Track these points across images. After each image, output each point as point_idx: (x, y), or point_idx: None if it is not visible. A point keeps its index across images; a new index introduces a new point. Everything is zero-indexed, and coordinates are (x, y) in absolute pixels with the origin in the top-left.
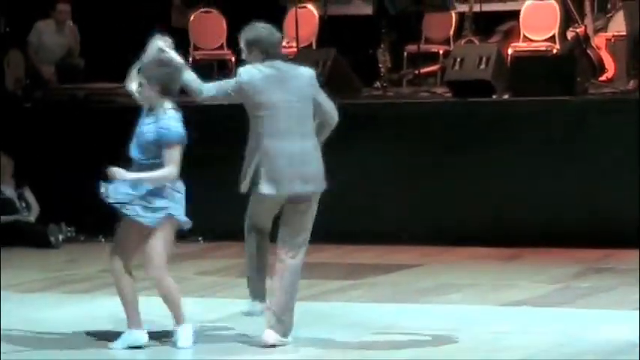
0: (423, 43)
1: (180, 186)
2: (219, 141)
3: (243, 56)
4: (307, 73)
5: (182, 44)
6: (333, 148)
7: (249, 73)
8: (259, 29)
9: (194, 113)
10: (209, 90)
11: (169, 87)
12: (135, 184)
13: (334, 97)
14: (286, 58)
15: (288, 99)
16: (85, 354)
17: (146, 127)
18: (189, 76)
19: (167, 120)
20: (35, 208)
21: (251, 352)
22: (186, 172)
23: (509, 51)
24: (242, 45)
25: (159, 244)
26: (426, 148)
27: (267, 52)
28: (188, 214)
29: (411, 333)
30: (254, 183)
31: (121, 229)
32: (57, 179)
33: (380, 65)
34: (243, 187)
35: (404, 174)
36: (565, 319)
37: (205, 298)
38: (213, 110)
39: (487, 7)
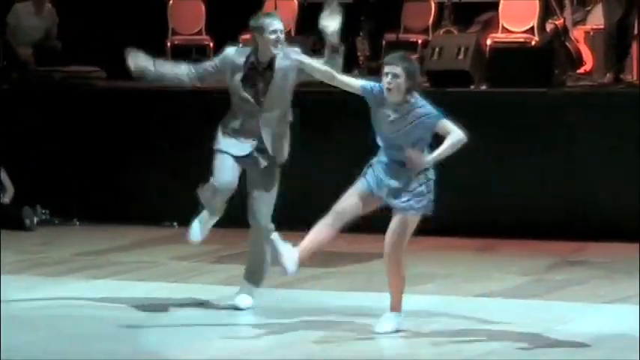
0: (401, 32)
1: None
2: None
3: None
4: None
5: (159, 29)
6: (312, 136)
7: None
8: None
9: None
10: None
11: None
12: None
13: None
14: None
15: None
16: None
17: (406, 123)
18: None
19: (424, 107)
20: (10, 190)
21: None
22: (161, 158)
23: (488, 42)
24: None
25: None
26: None
27: None
28: (163, 199)
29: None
30: None
31: None
32: (33, 161)
33: (359, 53)
34: None
35: None
36: (537, 312)
37: (178, 283)
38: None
39: None
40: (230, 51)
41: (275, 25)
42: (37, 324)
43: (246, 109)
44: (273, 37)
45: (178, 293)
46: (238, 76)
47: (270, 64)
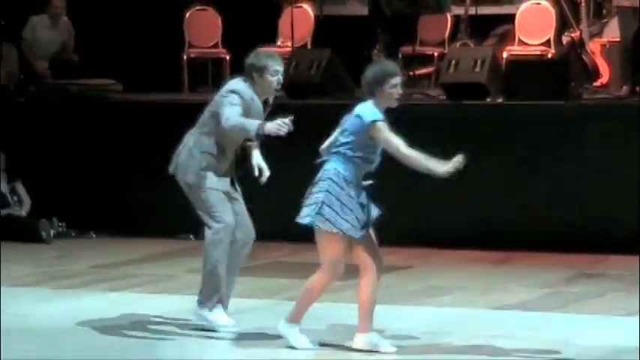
0: (418, 45)
1: None
2: None
3: None
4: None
5: (175, 42)
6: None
7: None
8: None
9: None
10: None
11: None
12: None
13: (328, 97)
14: None
15: None
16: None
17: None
18: None
19: None
20: (27, 202)
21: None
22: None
23: (504, 54)
24: None
25: None
26: (418, 150)
27: None
28: (179, 211)
29: (401, 335)
30: None
31: None
32: (49, 174)
33: None
34: None
35: (395, 175)
36: (555, 324)
37: (194, 296)
38: None
39: (483, 11)
40: (241, 86)
41: (277, 66)
42: (53, 336)
43: (236, 146)
44: (275, 78)
45: (195, 306)
46: (258, 114)
47: (266, 102)
